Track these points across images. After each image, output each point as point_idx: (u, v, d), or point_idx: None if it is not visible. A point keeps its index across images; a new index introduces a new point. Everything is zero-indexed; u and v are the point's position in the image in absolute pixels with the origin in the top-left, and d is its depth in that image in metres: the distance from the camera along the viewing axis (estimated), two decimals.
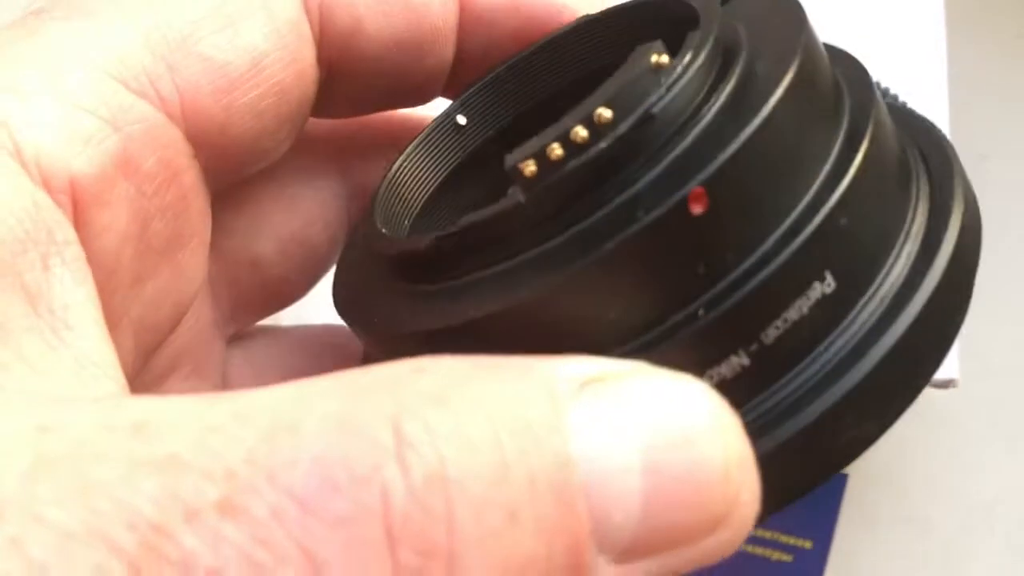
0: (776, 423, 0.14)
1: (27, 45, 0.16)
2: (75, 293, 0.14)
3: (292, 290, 0.21)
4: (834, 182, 0.15)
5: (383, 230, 0.18)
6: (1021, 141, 0.43)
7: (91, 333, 0.14)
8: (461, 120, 0.20)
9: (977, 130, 0.41)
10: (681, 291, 0.14)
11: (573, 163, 0.14)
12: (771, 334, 0.15)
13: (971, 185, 0.18)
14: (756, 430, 0.14)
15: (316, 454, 0.10)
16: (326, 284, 0.21)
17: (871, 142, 0.16)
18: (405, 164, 0.19)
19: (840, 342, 0.15)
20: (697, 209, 0.14)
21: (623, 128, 0.14)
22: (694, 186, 0.14)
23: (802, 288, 0.15)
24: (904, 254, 0.16)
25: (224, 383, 0.21)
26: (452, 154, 0.20)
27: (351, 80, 0.19)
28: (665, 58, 0.15)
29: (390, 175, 0.19)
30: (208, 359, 0.20)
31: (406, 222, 0.19)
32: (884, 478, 0.40)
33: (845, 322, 0.15)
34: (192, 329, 0.19)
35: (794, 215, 0.15)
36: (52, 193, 0.14)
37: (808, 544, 0.40)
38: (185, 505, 0.10)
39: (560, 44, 0.20)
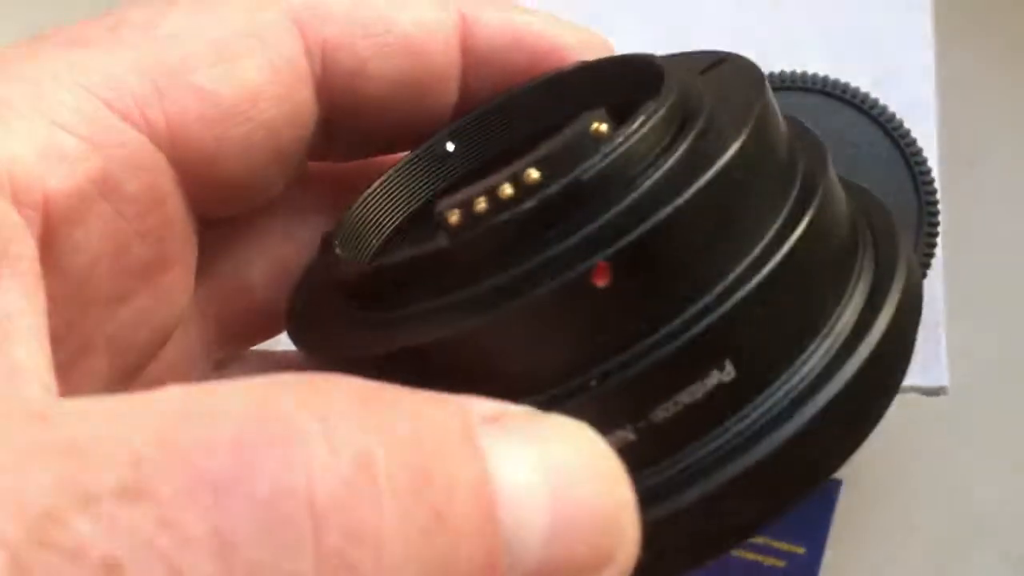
0: (658, 499, 0.15)
1: (24, 65, 0.16)
2: (19, 303, 0.14)
3: (279, 317, 0.22)
4: (760, 264, 0.15)
5: (338, 251, 0.18)
6: (1010, 148, 0.43)
7: (28, 342, 0.14)
8: (449, 147, 0.20)
9: (966, 137, 0.41)
10: (580, 356, 0.15)
11: (496, 218, 0.15)
12: (659, 415, 0.15)
13: (916, 271, 0.18)
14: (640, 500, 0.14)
15: (235, 436, 0.10)
16: None
17: (809, 225, 0.16)
18: (379, 189, 0.20)
19: (736, 429, 0.15)
20: (600, 282, 0.14)
21: (548, 191, 0.15)
22: (598, 260, 0.14)
23: (698, 374, 0.15)
24: (822, 349, 0.15)
25: None
26: (432, 182, 0.20)
27: (352, 122, 0.20)
28: (605, 127, 0.15)
29: (364, 195, 0.19)
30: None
31: (374, 242, 0.19)
32: (877, 485, 0.41)
33: (745, 410, 0.15)
34: (177, 354, 0.19)
35: (708, 297, 0.15)
36: (20, 207, 0.15)
37: (801, 550, 0.40)
38: (82, 491, 0.10)
39: (534, 91, 0.20)
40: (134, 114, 0.16)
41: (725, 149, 0.15)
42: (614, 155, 0.15)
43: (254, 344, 0.22)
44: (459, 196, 0.15)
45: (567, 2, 0.28)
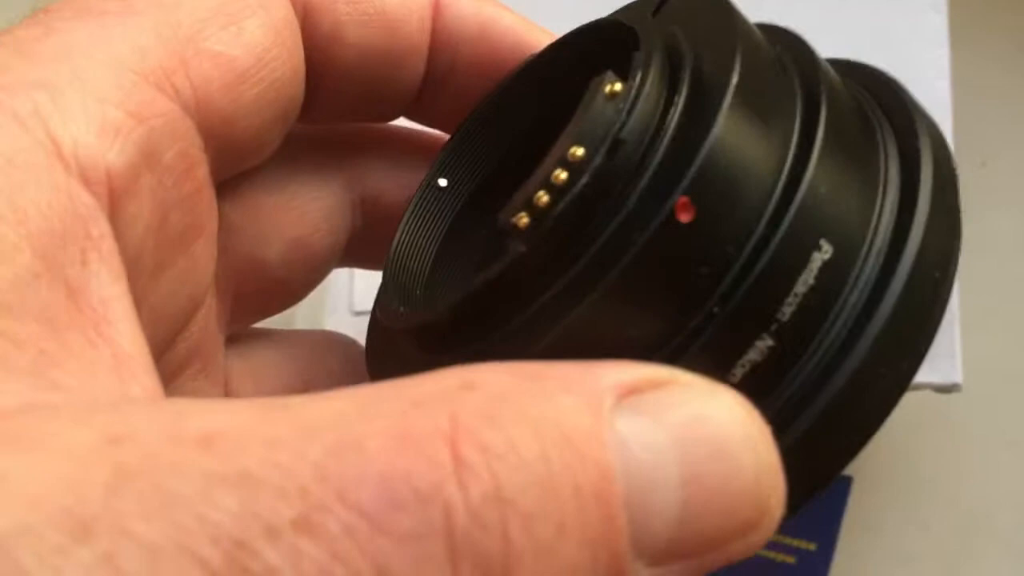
0: (813, 392, 0.15)
1: (47, 43, 0.16)
2: (112, 288, 0.14)
3: (292, 293, 0.22)
4: (804, 155, 0.16)
5: (400, 308, 0.18)
6: (1022, 148, 0.43)
7: (127, 329, 0.14)
8: (442, 183, 0.21)
9: (979, 137, 0.41)
10: (693, 295, 0.15)
11: (561, 204, 0.15)
12: (786, 311, 0.15)
13: (931, 119, 0.18)
14: (795, 404, 0.15)
15: (381, 472, 0.11)
16: (319, 290, 0.22)
17: (828, 108, 0.16)
18: (403, 238, 0.20)
19: (852, 299, 0.16)
20: (685, 218, 0.15)
21: (597, 160, 0.15)
22: (676, 198, 0.15)
23: (804, 261, 0.15)
24: (888, 203, 0.16)
25: (225, 386, 0.21)
26: (442, 217, 0.21)
27: (328, 85, 0.20)
28: (619, 85, 0.16)
29: (392, 252, 0.20)
30: (214, 359, 0.20)
31: (418, 292, 0.20)
32: (888, 481, 0.41)
33: (850, 280, 0.16)
34: (201, 327, 0.19)
35: (776, 195, 0.15)
36: (88, 186, 0.15)
37: (812, 546, 0.40)
38: (264, 522, 0.11)
39: (515, 88, 0.20)
40: (166, 85, 0.17)
41: (731, 66, 0.15)
42: (637, 107, 0.15)
43: (262, 319, 0.22)
44: (518, 199, 0.15)
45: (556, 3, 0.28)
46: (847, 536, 0.40)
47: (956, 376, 0.32)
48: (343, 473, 0.11)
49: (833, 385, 0.15)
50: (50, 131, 0.15)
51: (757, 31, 0.18)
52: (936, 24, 0.33)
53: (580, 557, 0.11)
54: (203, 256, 0.18)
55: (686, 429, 0.12)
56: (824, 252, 0.15)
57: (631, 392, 0.12)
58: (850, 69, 0.20)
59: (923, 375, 0.32)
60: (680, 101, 0.16)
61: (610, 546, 0.12)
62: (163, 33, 0.17)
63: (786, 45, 0.18)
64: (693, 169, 0.15)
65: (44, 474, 0.11)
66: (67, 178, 0.14)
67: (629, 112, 0.15)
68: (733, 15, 0.17)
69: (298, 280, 0.22)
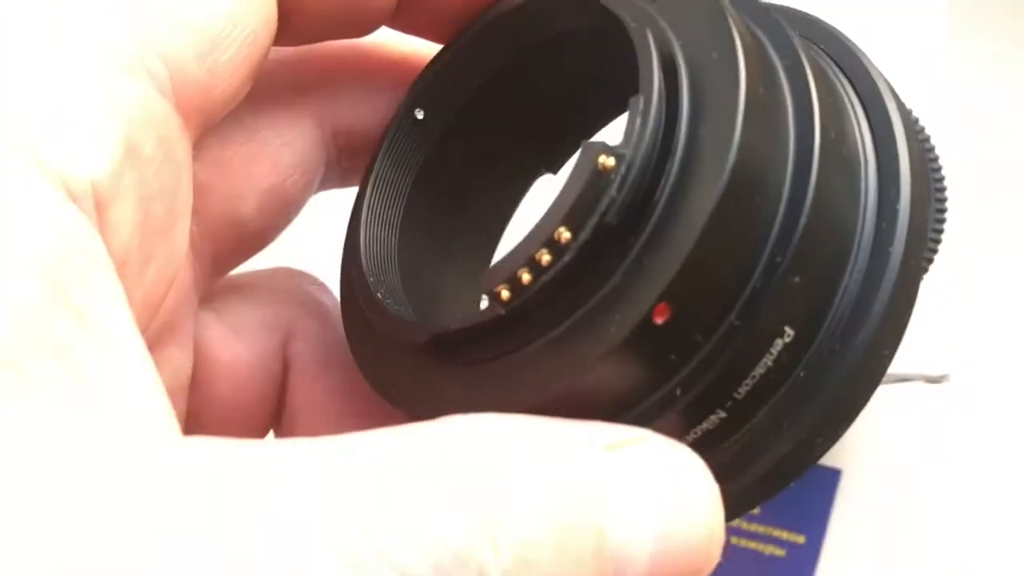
0: (753, 455, 0.17)
1: (7, 38, 0.15)
2: (114, 306, 0.14)
3: (266, 239, 0.21)
4: (784, 242, 0.16)
5: (385, 301, 0.18)
6: (1018, 157, 0.43)
7: (133, 345, 0.14)
8: (419, 115, 0.21)
9: (977, 131, 0.41)
10: (658, 375, 0.16)
11: (542, 280, 0.16)
12: (742, 391, 0.16)
13: (914, 141, 0.18)
14: (735, 458, 0.16)
15: (424, 537, 0.12)
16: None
17: (816, 191, 0.16)
18: (378, 177, 0.20)
19: (802, 373, 0.16)
20: (660, 319, 0.15)
21: (581, 240, 0.15)
22: (654, 304, 0.15)
23: (766, 347, 0.16)
24: (854, 276, 0.17)
25: (198, 346, 0.20)
26: (417, 152, 0.21)
27: (302, 5, 0.19)
28: (611, 160, 0.15)
29: (368, 200, 0.20)
30: (185, 327, 0.20)
31: (393, 241, 0.20)
32: (877, 473, 0.40)
33: (806, 357, 0.16)
34: (175, 299, 0.19)
35: (750, 287, 0.16)
36: (77, 202, 0.14)
37: (801, 539, 0.40)
38: None
39: (495, 21, 0.20)
40: (137, 69, 0.16)
41: (729, 143, 0.15)
42: (628, 182, 0.15)
43: (237, 266, 0.21)
44: (504, 271, 0.16)
45: None
46: (836, 528, 0.40)
47: (946, 367, 0.31)
48: (385, 537, 0.12)
49: (775, 450, 0.16)
50: (34, 147, 0.14)
51: (754, 46, 0.17)
52: (936, 23, 0.33)
53: None
54: (181, 236, 0.18)
55: (658, 492, 0.14)
56: (787, 337, 0.16)
57: (613, 448, 0.14)
58: (807, 27, 0.20)
59: (913, 366, 0.32)
60: (671, 175, 0.15)
61: None
62: (128, 17, 0.16)
63: (779, 47, 0.18)
64: (673, 271, 0.15)
65: None
66: (56, 194, 0.14)
67: (620, 188, 0.15)
68: (732, 37, 0.16)
69: (274, 227, 0.21)
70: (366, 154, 0.21)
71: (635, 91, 0.16)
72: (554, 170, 0.23)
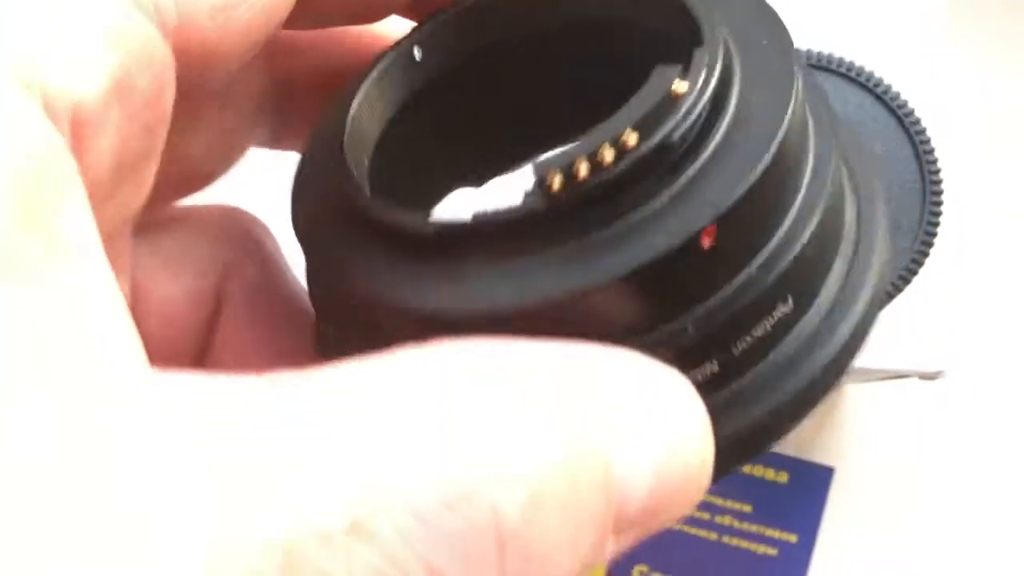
0: (727, 417, 0.17)
1: None
2: (88, 230, 0.14)
3: (211, 179, 0.21)
4: (806, 214, 0.17)
5: (363, 189, 0.18)
6: (1013, 152, 0.43)
7: (107, 273, 0.14)
8: (417, 55, 0.20)
9: (974, 128, 0.41)
10: (676, 307, 0.16)
11: (602, 176, 0.16)
12: (739, 347, 0.17)
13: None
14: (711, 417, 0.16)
15: (431, 473, 0.12)
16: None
17: (835, 171, 0.17)
18: (364, 103, 0.20)
19: (786, 349, 0.17)
20: (707, 243, 0.15)
21: (644, 150, 0.16)
22: (707, 224, 0.15)
23: (771, 310, 0.17)
24: (840, 258, 0.18)
25: (134, 279, 0.20)
26: (404, 89, 0.20)
27: None
28: (683, 86, 0.16)
29: (353, 115, 0.19)
30: (123, 256, 0.19)
31: (365, 160, 0.19)
32: (870, 472, 0.40)
33: (795, 331, 0.17)
34: (118, 236, 0.18)
35: (773, 244, 0.16)
36: (56, 122, 0.14)
37: (793, 538, 0.40)
38: (319, 529, 0.11)
39: None
40: (147, 4, 0.15)
41: (785, 104, 0.16)
42: (694, 112, 0.16)
43: (174, 202, 0.21)
44: (563, 159, 0.16)
45: None
46: (829, 527, 0.40)
47: (942, 363, 0.31)
48: (389, 473, 0.12)
49: (749, 417, 0.17)
50: (18, 60, 0.14)
51: (806, 70, 0.18)
52: (937, 17, 0.33)
53: (593, 538, 0.13)
54: (149, 177, 0.17)
55: (659, 425, 0.14)
56: (787, 306, 0.17)
57: (624, 384, 0.14)
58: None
59: (909, 362, 0.32)
60: (727, 114, 0.16)
61: (606, 526, 0.13)
62: None
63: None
64: (734, 199, 0.15)
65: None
66: (38, 113, 0.13)
67: (686, 115, 0.16)
68: (791, 47, 0.17)
69: (221, 167, 0.21)
70: (309, 102, 0.21)
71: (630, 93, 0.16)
72: (478, 185, 0.23)
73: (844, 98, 0.30)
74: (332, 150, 0.19)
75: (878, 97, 0.30)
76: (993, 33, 0.43)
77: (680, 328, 0.16)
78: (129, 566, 0.11)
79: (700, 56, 0.16)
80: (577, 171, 0.15)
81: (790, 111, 0.16)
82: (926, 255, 0.30)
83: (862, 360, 0.32)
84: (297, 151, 0.21)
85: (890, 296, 0.29)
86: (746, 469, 0.40)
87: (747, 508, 0.40)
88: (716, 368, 0.16)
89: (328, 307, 0.19)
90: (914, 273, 0.30)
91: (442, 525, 0.11)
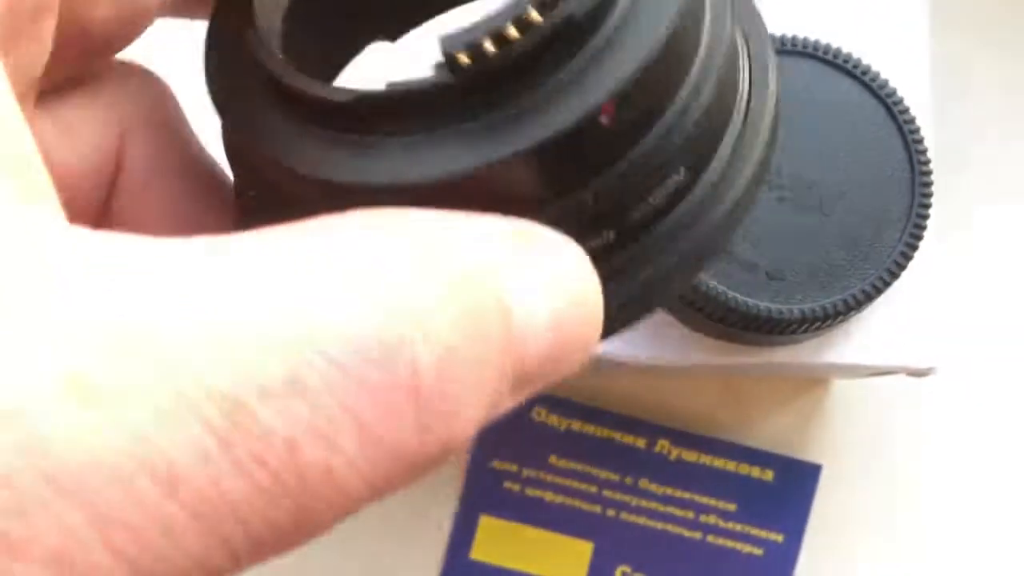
0: (622, 279, 0.18)
1: None
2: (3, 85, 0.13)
3: (116, 45, 0.20)
4: (701, 86, 0.17)
5: (275, 55, 0.18)
6: (1001, 142, 0.42)
7: (24, 131, 0.14)
8: None
9: (959, 131, 0.40)
10: (577, 178, 0.17)
11: (507, 52, 0.16)
12: (634, 216, 0.17)
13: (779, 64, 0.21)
14: (605, 280, 0.17)
15: (355, 331, 0.12)
16: None
17: (730, 44, 0.18)
18: None
19: (679, 215, 0.18)
20: (605, 120, 0.16)
21: (546, 27, 0.16)
22: (604, 100, 0.16)
23: (664, 179, 0.17)
24: (732, 131, 0.19)
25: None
26: None
27: None
28: None
29: None
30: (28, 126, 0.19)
31: (278, 23, 0.19)
32: (858, 471, 0.40)
33: (686, 198, 0.18)
34: (25, 100, 0.18)
35: (669, 117, 0.17)
36: None
37: (779, 537, 0.39)
38: (258, 384, 0.12)
39: None
40: None
41: None
42: None
43: (76, 69, 0.20)
44: (468, 36, 0.16)
45: None
46: (816, 527, 0.39)
47: (932, 360, 0.30)
48: (320, 332, 0.12)
49: (641, 278, 0.18)
50: None
51: None
52: (918, 17, 0.32)
53: (496, 387, 0.13)
54: (47, 35, 0.17)
55: (559, 280, 0.15)
56: (680, 176, 0.18)
57: (519, 236, 0.15)
58: None
59: (898, 358, 0.31)
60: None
61: (507, 377, 0.14)
62: None
63: None
64: (628, 74, 0.16)
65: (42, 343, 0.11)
66: None
67: None
68: None
69: (125, 33, 0.20)
70: None
71: None
72: (392, 39, 0.23)
73: (831, 85, 0.29)
74: (242, 12, 0.19)
75: (865, 85, 0.29)
76: (976, 35, 0.42)
77: (581, 199, 0.17)
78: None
79: None
80: (483, 47, 0.16)
81: None
82: (915, 248, 0.29)
83: (851, 356, 0.32)
84: (205, 19, 0.20)
85: (878, 290, 0.28)
86: (730, 467, 0.39)
87: (731, 507, 0.39)
88: (613, 236, 0.18)
89: (244, 177, 0.19)
90: (902, 267, 0.29)
91: (365, 376, 0.12)
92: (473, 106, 0.16)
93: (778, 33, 0.30)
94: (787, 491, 0.39)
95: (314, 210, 0.14)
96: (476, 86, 0.16)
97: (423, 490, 0.39)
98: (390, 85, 0.16)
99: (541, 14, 0.16)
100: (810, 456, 0.39)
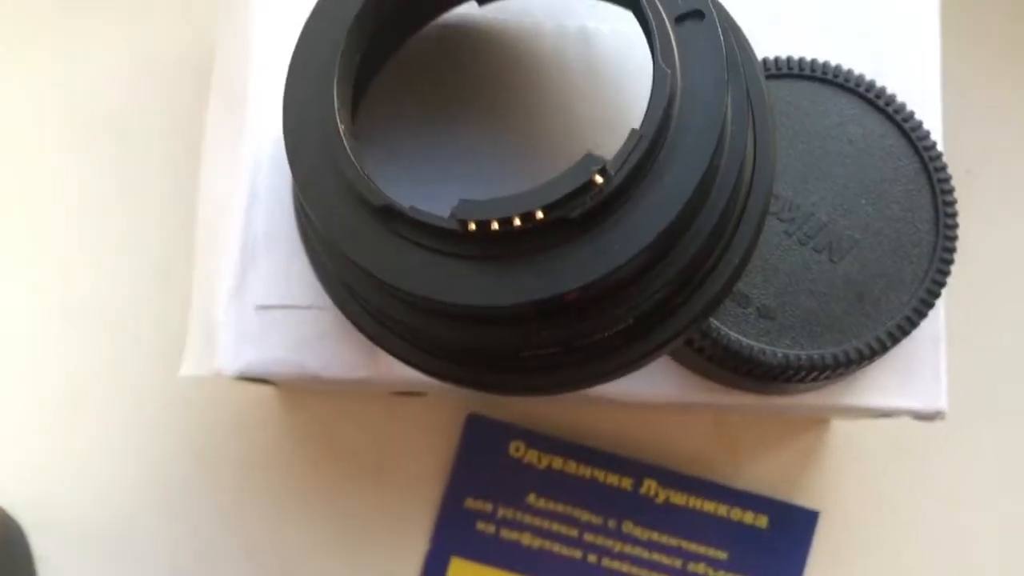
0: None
1: None
2: None
3: None
4: (701, 231, 0.22)
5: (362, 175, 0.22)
6: (1009, 156, 0.40)
7: None
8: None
9: (966, 144, 0.37)
10: (537, 333, 0.22)
11: (503, 230, 0.21)
12: (627, 318, 0.23)
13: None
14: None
15: None
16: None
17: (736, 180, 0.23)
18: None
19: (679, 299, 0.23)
20: (571, 298, 0.21)
21: (542, 221, 0.21)
22: (571, 290, 0.21)
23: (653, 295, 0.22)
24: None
25: None
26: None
27: None
28: (600, 180, 0.20)
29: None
30: None
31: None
32: (859, 518, 0.37)
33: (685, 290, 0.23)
34: None
35: (626, 304, 0.22)
36: None
37: None
38: None
39: None
40: None
41: (691, 179, 0.21)
42: (600, 197, 0.20)
43: None
44: (483, 210, 0.20)
45: None
46: (813, 575, 0.36)
47: (940, 402, 0.28)
48: None
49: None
50: None
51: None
52: (929, 28, 0.29)
53: None
54: None
55: None
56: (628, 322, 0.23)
57: None
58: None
59: (904, 400, 0.29)
60: (624, 204, 0.21)
61: None
62: None
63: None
64: (596, 276, 0.21)
65: None
66: None
67: (593, 197, 0.21)
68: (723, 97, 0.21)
69: None
70: None
71: None
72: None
73: (864, 123, 0.26)
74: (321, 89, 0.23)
75: (903, 132, 0.26)
76: (986, 36, 0.40)
77: (536, 332, 0.22)
78: None
79: (628, 143, 0.20)
80: (491, 225, 0.20)
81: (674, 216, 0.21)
82: (923, 315, 0.25)
83: (853, 398, 0.29)
84: None
85: (874, 352, 0.25)
86: (722, 511, 0.37)
87: (722, 555, 0.36)
88: (559, 350, 0.23)
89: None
90: (905, 332, 0.25)
91: None
92: (476, 255, 0.21)
93: (796, 56, 0.27)
94: (782, 539, 0.36)
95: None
96: (477, 243, 0.21)
97: (392, 529, 0.36)
98: (418, 213, 0.21)
99: (545, 214, 0.20)
100: (807, 501, 0.37)
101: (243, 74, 0.28)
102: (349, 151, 0.22)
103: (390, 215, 0.21)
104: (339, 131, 0.22)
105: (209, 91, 0.30)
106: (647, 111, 0.21)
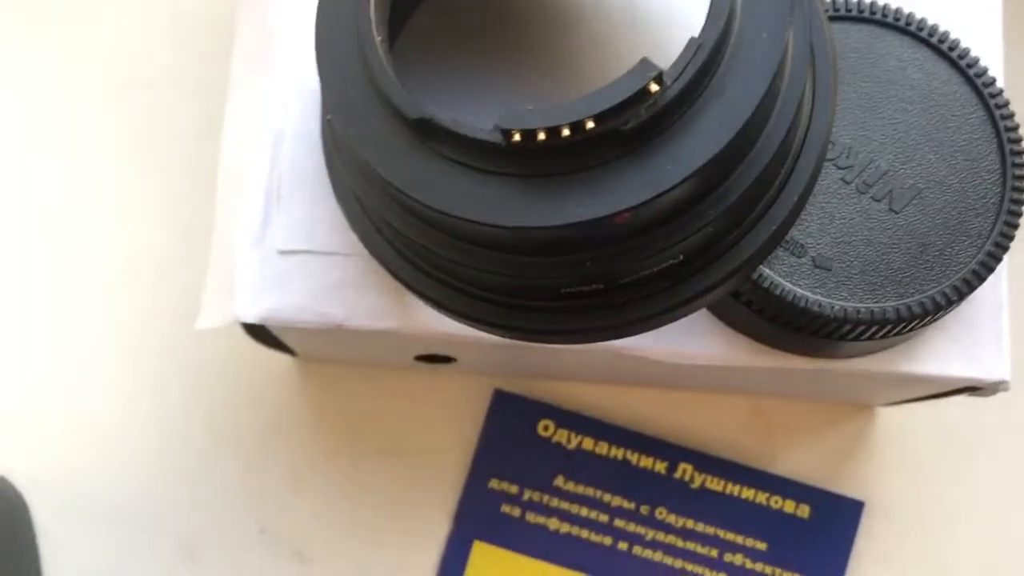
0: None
1: None
2: None
3: None
4: (781, 158, 0.22)
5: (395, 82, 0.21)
6: None
7: None
8: None
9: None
10: (577, 258, 0.21)
11: (550, 142, 0.19)
12: (689, 246, 0.22)
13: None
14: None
15: None
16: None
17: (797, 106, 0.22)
18: None
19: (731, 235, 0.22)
20: (620, 220, 0.20)
21: (593, 134, 0.19)
22: (623, 210, 0.19)
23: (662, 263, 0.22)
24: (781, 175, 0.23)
25: None
26: None
27: None
28: (656, 88, 0.19)
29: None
30: None
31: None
32: (905, 508, 0.35)
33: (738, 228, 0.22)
34: None
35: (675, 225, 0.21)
36: None
37: None
38: None
39: None
40: None
41: (755, 93, 0.20)
42: (655, 109, 0.19)
43: None
44: (530, 119, 0.19)
45: None
46: (857, 570, 0.35)
47: (1003, 371, 0.26)
48: None
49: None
50: None
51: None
52: None
53: None
54: None
55: None
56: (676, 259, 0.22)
57: None
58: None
59: (964, 368, 0.27)
60: (682, 112, 0.20)
61: None
62: None
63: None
64: (642, 199, 0.20)
65: None
66: None
67: (647, 109, 0.19)
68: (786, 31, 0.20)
69: None
70: None
71: None
72: None
73: (927, 70, 0.25)
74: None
75: (969, 79, 0.25)
76: None
77: (581, 263, 0.21)
78: None
79: (687, 52, 0.19)
80: (537, 136, 0.19)
81: (732, 134, 0.19)
82: (991, 269, 0.24)
83: (906, 365, 0.27)
84: None
85: (939, 306, 0.24)
86: (761, 499, 0.35)
87: (762, 546, 0.35)
88: (602, 287, 0.22)
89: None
90: (972, 287, 0.24)
91: None
92: (521, 172, 0.20)
93: None
94: (825, 530, 0.35)
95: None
96: (522, 157, 0.20)
97: (412, 508, 0.35)
98: (459, 124, 0.20)
99: (596, 124, 0.19)
100: (851, 491, 0.35)
101: (270, 11, 0.27)
102: (385, 63, 0.21)
103: (428, 129, 0.20)
104: (375, 42, 0.21)
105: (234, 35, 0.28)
106: (706, 20, 0.20)
